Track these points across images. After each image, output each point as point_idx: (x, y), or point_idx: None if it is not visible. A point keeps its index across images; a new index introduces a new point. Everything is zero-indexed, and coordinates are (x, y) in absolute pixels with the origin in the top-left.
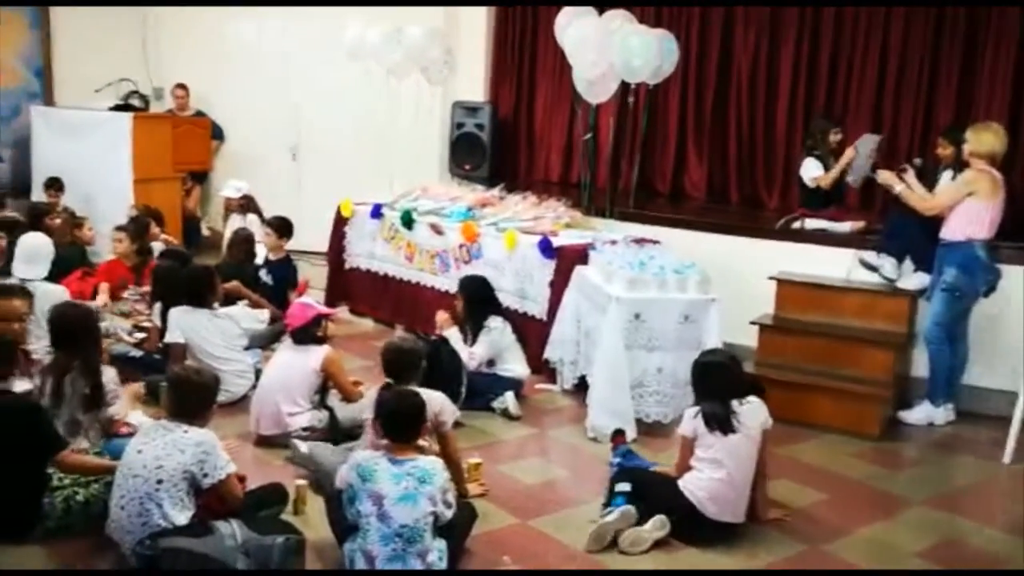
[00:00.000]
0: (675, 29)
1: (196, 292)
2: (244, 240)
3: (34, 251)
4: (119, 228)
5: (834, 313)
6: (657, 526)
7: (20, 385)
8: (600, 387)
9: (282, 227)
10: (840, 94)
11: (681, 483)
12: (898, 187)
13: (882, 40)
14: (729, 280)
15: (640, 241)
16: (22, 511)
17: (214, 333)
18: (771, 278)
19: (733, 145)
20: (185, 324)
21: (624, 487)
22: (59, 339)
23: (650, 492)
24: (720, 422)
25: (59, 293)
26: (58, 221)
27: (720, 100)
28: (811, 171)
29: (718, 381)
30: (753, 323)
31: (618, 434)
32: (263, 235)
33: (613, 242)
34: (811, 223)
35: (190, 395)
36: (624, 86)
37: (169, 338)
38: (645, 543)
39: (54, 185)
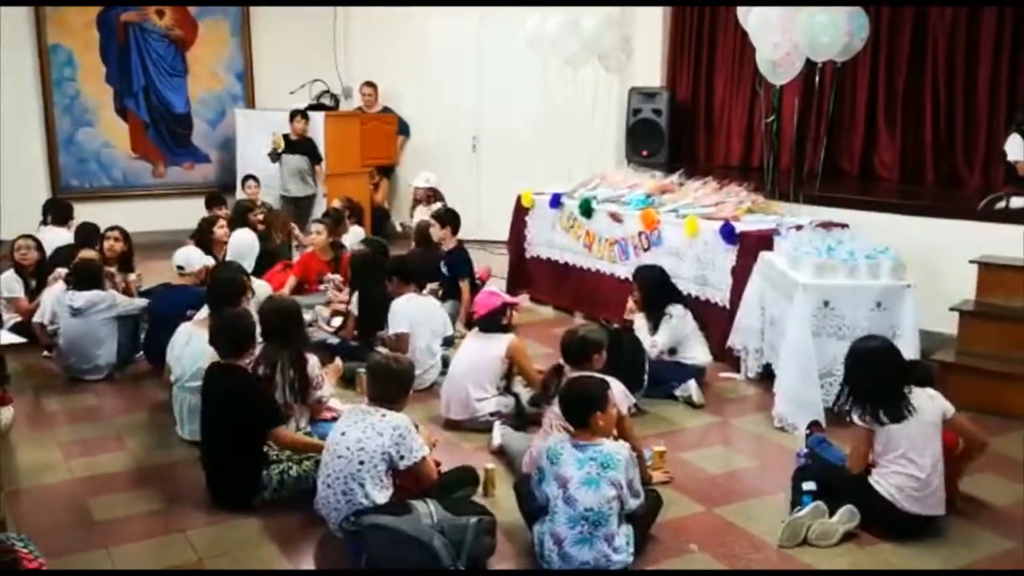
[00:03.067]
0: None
1: (420, 280)
2: (427, 231)
3: (243, 248)
4: (317, 221)
5: None
6: (845, 518)
7: None
8: (787, 376)
9: (445, 218)
10: None
11: (872, 479)
12: None
13: None
14: (925, 265)
15: (827, 225)
16: (244, 481)
17: (430, 322)
18: (972, 261)
19: (928, 121)
20: (411, 313)
21: (810, 486)
22: (270, 331)
23: (839, 489)
24: (888, 411)
25: (261, 287)
26: (260, 217)
27: (914, 74)
28: (1014, 151)
29: (881, 369)
30: (953, 309)
31: (815, 424)
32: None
33: (799, 227)
34: (1018, 202)
35: (389, 381)
36: (810, 65)
37: (395, 328)
38: (835, 536)
39: (250, 179)
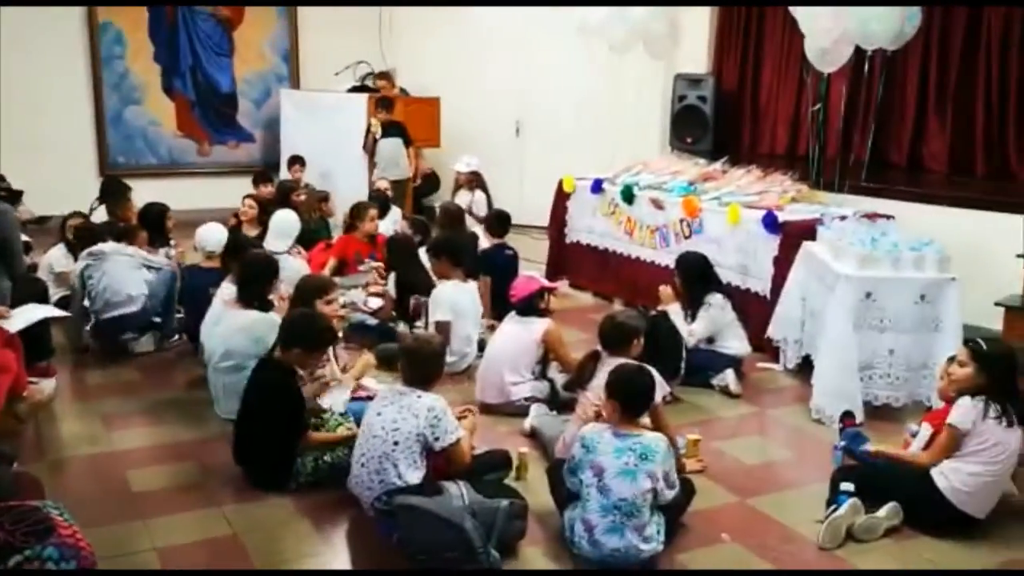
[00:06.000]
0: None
1: (467, 265)
2: (456, 213)
3: (283, 227)
4: (368, 205)
5: None
6: (891, 514)
7: None
8: (826, 367)
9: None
10: None
11: (935, 472)
12: None
13: None
14: (972, 258)
15: (872, 216)
16: (278, 469)
17: (473, 310)
18: (1020, 256)
19: (980, 112)
20: (455, 301)
21: (847, 486)
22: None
23: (886, 483)
24: (1010, 414)
25: (298, 266)
26: (303, 197)
27: (967, 63)
28: None
29: (1015, 370)
30: (999, 304)
31: (847, 416)
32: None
33: (843, 217)
34: None
35: (422, 363)
36: (859, 53)
37: (437, 315)
38: (879, 530)
39: (296, 162)
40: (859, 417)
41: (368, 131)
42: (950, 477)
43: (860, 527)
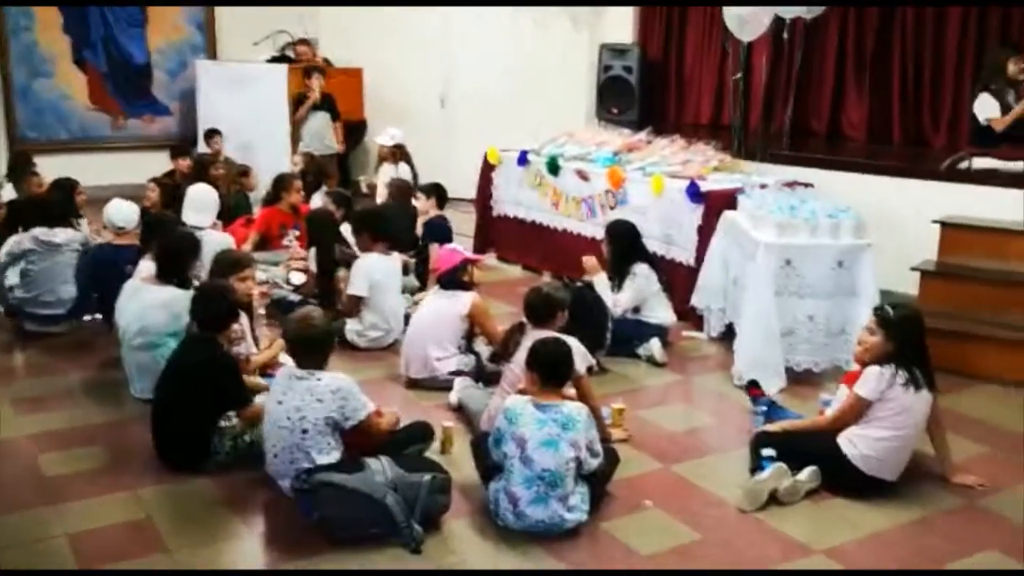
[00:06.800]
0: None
1: (392, 240)
2: (404, 188)
3: (201, 201)
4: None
5: (1004, 258)
6: (811, 477)
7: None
8: (748, 335)
9: (430, 189)
10: (1019, 18)
11: (842, 439)
12: None
13: None
14: (889, 224)
15: (792, 184)
16: (194, 449)
17: (396, 283)
18: (935, 222)
19: (897, 81)
20: (376, 274)
21: (769, 452)
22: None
23: (800, 450)
24: (918, 379)
25: (223, 240)
26: (221, 171)
27: (883, 32)
28: (986, 110)
29: (922, 334)
30: (914, 269)
31: (753, 385)
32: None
33: (763, 186)
34: (980, 162)
35: (310, 344)
36: (778, 22)
37: (355, 290)
38: (800, 493)
39: (215, 134)
40: (781, 383)
41: (305, 98)
42: (858, 445)
43: (784, 491)
